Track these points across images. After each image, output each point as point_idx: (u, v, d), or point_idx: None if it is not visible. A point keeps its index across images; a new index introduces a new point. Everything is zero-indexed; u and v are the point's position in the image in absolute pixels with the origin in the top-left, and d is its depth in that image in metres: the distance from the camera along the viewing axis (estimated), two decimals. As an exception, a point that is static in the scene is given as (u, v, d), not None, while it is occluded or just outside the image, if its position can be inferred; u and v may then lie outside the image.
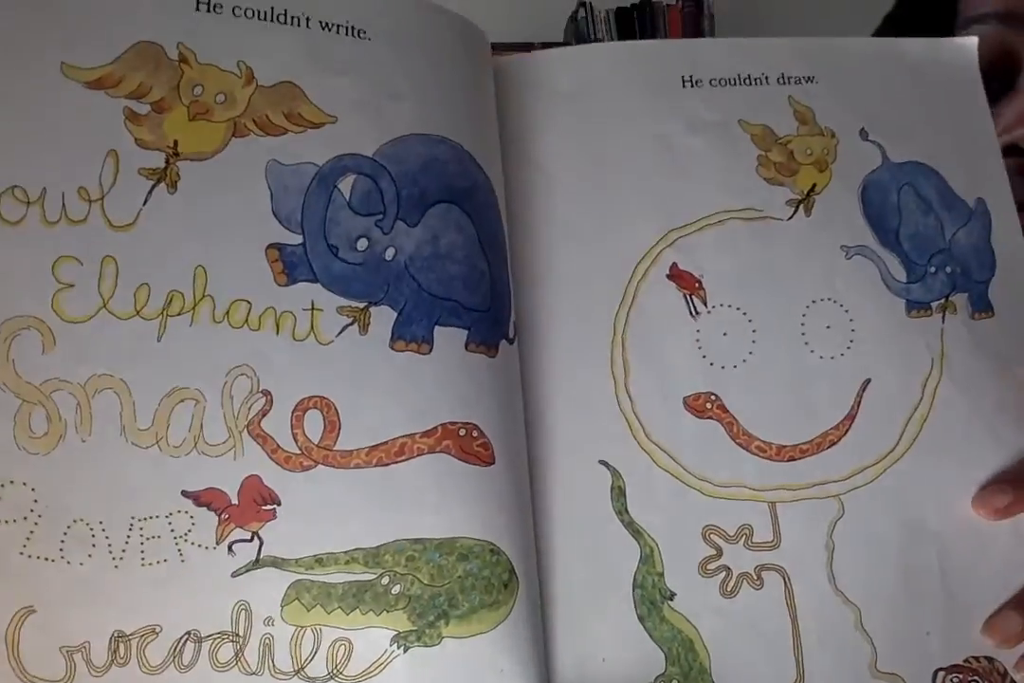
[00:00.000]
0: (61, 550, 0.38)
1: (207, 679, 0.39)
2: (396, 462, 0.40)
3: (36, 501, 0.38)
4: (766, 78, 0.48)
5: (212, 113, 0.40)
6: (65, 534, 0.38)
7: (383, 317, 0.41)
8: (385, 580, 0.40)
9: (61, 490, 0.38)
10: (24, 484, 0.38)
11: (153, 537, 0.38)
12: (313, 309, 0.40)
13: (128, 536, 0.38)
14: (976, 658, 0.43)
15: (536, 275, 0.45)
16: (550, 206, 0.46)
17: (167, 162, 0.39)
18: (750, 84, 0.48)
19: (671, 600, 0.42)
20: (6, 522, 0.38)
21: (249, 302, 0.40)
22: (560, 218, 0.46)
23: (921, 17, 0.56)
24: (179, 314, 0.39)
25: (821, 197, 0.46)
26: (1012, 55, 0.56)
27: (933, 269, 0.46)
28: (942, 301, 0.46)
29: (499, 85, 0.47)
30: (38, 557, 0.38)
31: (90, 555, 0.38)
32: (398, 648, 0.40)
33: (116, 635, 0.38)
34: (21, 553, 0.38)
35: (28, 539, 0.38)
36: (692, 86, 0.47)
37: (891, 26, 0.74)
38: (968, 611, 0.44)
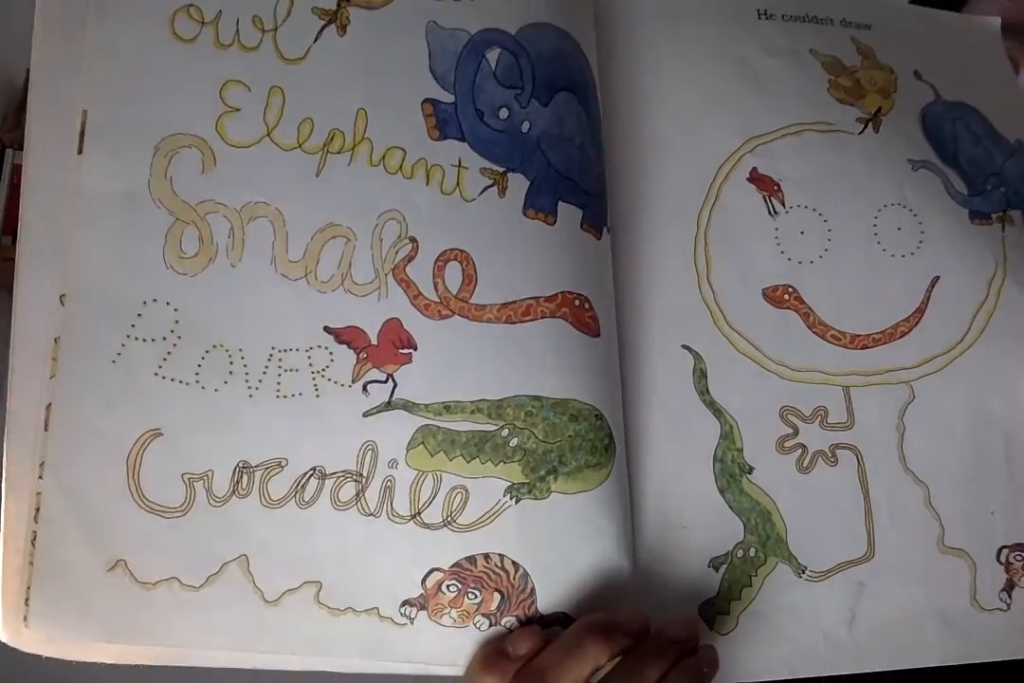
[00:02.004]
0: (197, 374, 0.38)
1: (326, 517, 0.39)
2: (523, 321, 0.41)
3: (177, 322, 0.38)
4: (830, 20, 0.52)
5: None
6: (203, 359, 0.38)
7: (518, 184, 0.42)
8: (505, 432, 0.41)
9: (204, 313, 0.38)
10: (168, 304, 0.38)
11: (291, 370, 0.39)
12: (460, 166, 0.41)
13: (266, 366, 0.38)
14: None
15: (627, 177, 0.47)
16: (640, 115, 0.48)
17: (339, 5, 0.40)
18: (817, 23, 0.52)
19: (750, 474, 0.45)
20: (144, 340, 0.37)
21: (404, 150, 0.40)
22: (649, 126, 0.48)
23: None
24: (339, 152, 0.39)
25: (887, 118, 0.50)
26: (1011, 62, 0.63)
27: (990, 187, 0.51)
28: (1000, 213, 0.50)
29: (596, 5, 0.49)
30: (172, 379, 0.38)
31: (226, 382, 0.38)
32: (510, 499, 0.40)
33: (241, 465, 0.38)
34: (156, 373, 0.37)
35: (165, 360, 0.37)
36: (767, 19, 0.51)
37: None
38: None
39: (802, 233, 0.48)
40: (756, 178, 0.48)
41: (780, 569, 0.45)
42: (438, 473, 0.40)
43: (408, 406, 0.40)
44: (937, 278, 0.49)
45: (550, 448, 0.41)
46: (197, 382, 0.38)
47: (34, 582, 0.37)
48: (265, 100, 0.39)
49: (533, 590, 0.41)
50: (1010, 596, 0.46)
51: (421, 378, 0.40)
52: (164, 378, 0.38)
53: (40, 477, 0.37)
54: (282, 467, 0.39)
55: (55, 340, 0.37)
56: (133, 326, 0.37)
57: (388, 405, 0.40)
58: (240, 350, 0.38)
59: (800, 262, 0.48)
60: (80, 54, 0.37)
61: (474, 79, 0.42)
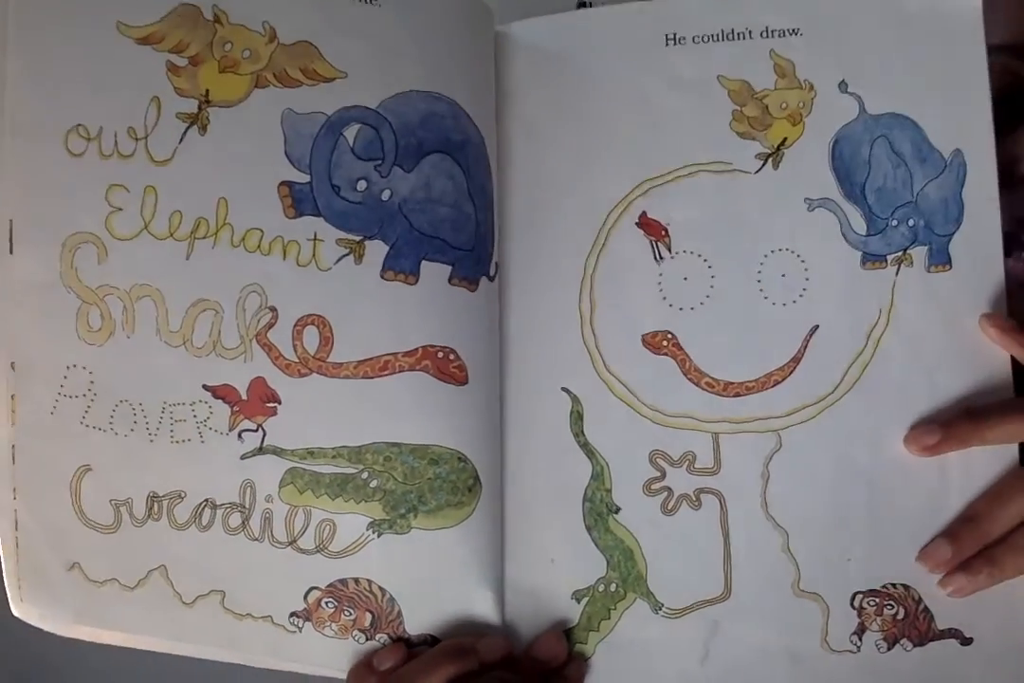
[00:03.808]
0: (111, 423, 0.46)
1: (220, 539, 0.46)
2: (380, 376, 0.46)
3: (92, 382, 0.46)
4: (749, 32, 0.48)
5: (239, 66, 0.45)
6: (113, 411, 0.46)
7: (376, 250, 0.46)
8: (365, 475, 0.46)
9: (110, 376, 0.46)
10: (83, 368, 0.46)
11: (180, 420, 0.46)
12: (315, 239, 0.45)
13: (161, 417, 0.46)
14: (893, 585, 0.46)
15: (519, 221, 0.49)
16: (534, 160, 0.49)
17: (199, 108, 0.45)
18: (733, 39, 0.48)
19: (616, 513, 0.47)
20: (70, 397, 0.46)
21: (262, 230, 0.45)
22: (542, 170, 0.49)
23: None
24: (204, 237, 0.45)
25: (791, 150, 0.47)
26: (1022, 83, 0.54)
27: (895, 222, 0.46)
28: (899, 254, 0.46)
29: (499, 48, 0.50)
30: (94, 427, 0.46)
31: (132, 429, 0.46)
32: (373, 533, 0.46)
33: (151, 495, 0.46)
34: (81, 422, 0.46)
35: (87, 412, 0.46)
36: (675, 44, 0.48)
37: None
38: (890, 542, 0.46)
39: (685, 279, 0.47)
40: (645, 223, 0.48)
41: (638, 604, 0.46)
42: (308, 508, 0.46)
43: (277, 451, 0.46)
44: (816, 327, 0.46)
45: (409, 489, 0.46)
46: (111, 429, 0.46)
47: (21, 575, 0.49)
48: (141, 199, 0.45)
49: (400, 613, 0.46)
50: (860, 639, 0.46)
51: (286, 428, 0.46)
52: (88, 426, 0.46)
53: (15, 498, 0.48)
54: (182, 498, 0.47)
55: (12, 397, 0.47)
56: (62, 386, 0.46)
57: (260, 450, 0.46)
58: (140, 404, 0.46)
59: (681, 309, 0.47)
60: (3, 171, 0.46)
61: (330, 157, 0.45)
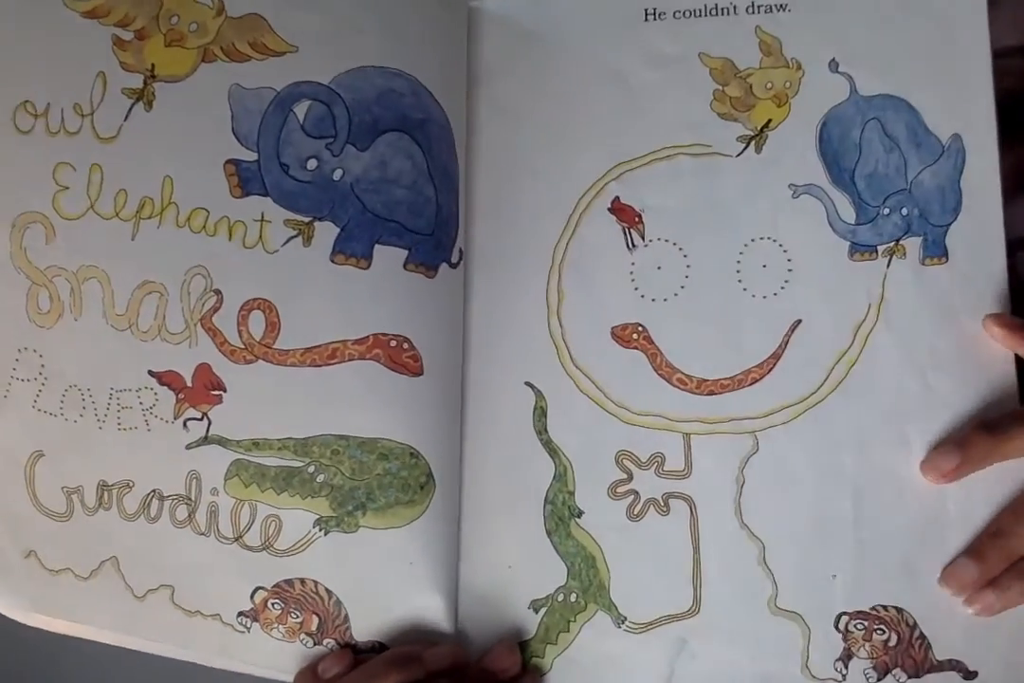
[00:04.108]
0: (61, 408, 0.45)
1: (169, 532, 0.45)
2: (328, 364, 0.43)
3: (43, 366, 0.45)
4: (734, 7, 0.44)
5: (185, 40, 0.43)
6: (63, 395, 0.45)
7: (326, 232, 0.43)
8: (311, 469, 0.43)
9: (60, 359, 0.45)
10: (34, 351, 0.45)
11: (127, 407, 0.44)
12: (262, 220, 0.43)
13: (108, 403, 0.44)
14: (884, 607, 0.42)
15: (488, 206, 0.46)
16: (504, 140, 0.46)
17: (145, 83, 0.43)
18: (717, 14, 0.44)
19: (579, 518, 0.43)
20: (23, 380, 0.45)
21: (207, 210, 0.43)
22: (515, 153, 0.46)
23: None
24: (149, 217, 0.43)
25: (775, 133, 0.43)
26: None
27: (887, 210, 0.42)
28: (891, 245, 0.42)
29: (474, 25, 0.47)
30: (45, 411, 0.45)
31: (81, 415, 0.45)
32: (319, 531, 0.43)
33: (101, 483, 0.45)
34: (33, 406, 0.45)
35: (38, 395, 0.45)
36: (655, 19, 0.45)
37: None
38: (880, 558, 0.42)
39: (659, 269, 0.44)
40: (617, 208, 0.44)
41: (599, 617, 0.43)
42: (253, 502, 0.44)
43: (222, 441, 0.44)
44: (799, 322, 0.42)
45: (357, 485, 0.44)
46: (62, 414, 0.45)
47: (-21, 560, 0.48)
48: (87, 177, 0.43)
49: (347, 617, 0.44)
50: (847, 667, 0.41)
51: (232, 417, 0.44)
52: (40, 411, 0.45)
53: (-29, 483, 0.48)
54: (130, 488, 0.45)
55: (-32, 379, 0.47)
56: (15, 369, 0.45)
57: (205, 440, 0.44)
58: (88, 389, 0.45)
59: (653, 300, 0.44)
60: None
61: (279, 134, 0.43)
